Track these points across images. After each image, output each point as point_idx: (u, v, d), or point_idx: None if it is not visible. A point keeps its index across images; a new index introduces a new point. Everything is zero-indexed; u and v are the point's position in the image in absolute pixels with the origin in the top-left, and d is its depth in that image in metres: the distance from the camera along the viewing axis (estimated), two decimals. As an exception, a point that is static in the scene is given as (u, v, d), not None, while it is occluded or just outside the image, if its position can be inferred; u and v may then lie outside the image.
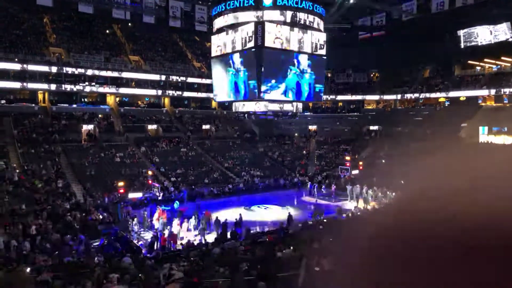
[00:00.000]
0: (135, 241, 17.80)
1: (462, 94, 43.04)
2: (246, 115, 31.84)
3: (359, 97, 50.12)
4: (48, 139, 30.80)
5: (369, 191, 24.46)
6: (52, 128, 32.71)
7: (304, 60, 26.62)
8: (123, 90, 40.08)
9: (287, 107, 28.48)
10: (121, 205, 21.97)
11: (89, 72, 37.55)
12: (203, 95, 43.79)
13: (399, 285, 0.40)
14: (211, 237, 17.91)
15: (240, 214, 19.70)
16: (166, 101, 43.24)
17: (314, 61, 27.22)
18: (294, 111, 29.24)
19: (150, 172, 29.12)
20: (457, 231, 0.39)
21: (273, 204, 25.79)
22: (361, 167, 30.90)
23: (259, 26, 24.55)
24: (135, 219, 19.91)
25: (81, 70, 37.18)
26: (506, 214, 0.38)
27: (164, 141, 35.86)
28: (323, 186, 29.31)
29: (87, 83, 37.61)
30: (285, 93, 26.20)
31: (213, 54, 29.00)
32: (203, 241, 16.89)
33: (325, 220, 19.38)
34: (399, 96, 47.90)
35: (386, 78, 50.36)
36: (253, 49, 24.92)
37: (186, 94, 43.23)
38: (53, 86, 36.06)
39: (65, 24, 42.26)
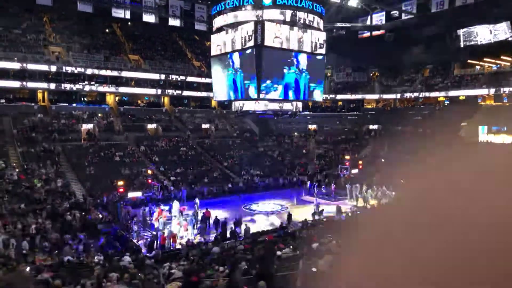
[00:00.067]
0: (135, 241, 17.80)
1: (462, 93, 43.05)
2: (245, 114, 31.81)
3: (358, 96, 50.12)
4: (47, 139, 30.78)
5: (368, 190, 24.48)
6: (52, 128, 32.70)
7: (303, 59, 26.59)
8: (122, 89, 40.07)
9: (287, 106, 28.44)
10: (121, 204, 21.97)
11: (89, 71, 37.51)
12: (203, 94, 43.76)
13: (400, 285, 0.40)
14: (210, 236, 17.93)
15: (240, 214, 19.71)
16: (166, 100, 43.22)
17: (313, 60, 27.19)
18: (294, 110, 29.19)
19: (149, 171, 29.15)
20: (457, 231, 0.39)
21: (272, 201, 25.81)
22: (360, 166, 30.94)
23: (259, 25, 24.52)
24: (135, 218, 19.92)
25: (81, 69, 37.15)
26: (506, 213, 0.38)
27: (163, 140, 35.86)
28: (323, 185, 29.32)
29: (86, 82, 37.58)
30: (284, 93, 26.14)
31: (213, 53, 28.96)
32: (203, 240, 16.91)
33: (325, 220, 19.41)
34: (398, 95, 47.90)
35: (386, 77, 50.38)
36: (252, 49, 24.89)
37: (186, 93, 43.20)
38: (52, 85, 36.03)
39: (65, 23, 42.21)
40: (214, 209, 21.41)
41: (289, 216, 19.82)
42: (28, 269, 10.52)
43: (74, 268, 11.66)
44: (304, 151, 40.36)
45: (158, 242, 16.81)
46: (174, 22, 43.08)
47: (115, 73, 39.05)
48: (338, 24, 43.39)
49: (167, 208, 21.33)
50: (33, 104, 35.52)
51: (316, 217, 20.36)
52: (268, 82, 25.06)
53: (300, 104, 29.19)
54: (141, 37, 45.82)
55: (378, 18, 46.48)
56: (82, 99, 39.23)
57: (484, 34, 41.79)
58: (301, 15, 26.02)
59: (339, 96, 50.40)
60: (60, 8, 40.00)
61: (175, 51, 46.96)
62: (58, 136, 31.54)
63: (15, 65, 34.03)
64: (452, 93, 43.39)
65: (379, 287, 0.41)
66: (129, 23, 45.36)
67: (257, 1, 25.13)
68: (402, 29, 43.50)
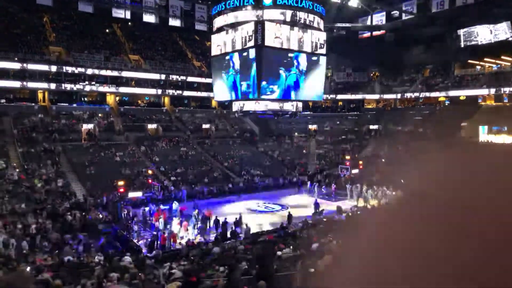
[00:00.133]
0: (135, 241, 17.81)
1: (462, 93, 43.02)
2: (246, 114, 31.82)
3: (359, 96, 50.08)
4: (48, 138, 30.79)
5: (369, 190, 24.47)
6: (52, 127, 32.71)
7: (303, 59, 26.60)
8: (123, 89, 40.07)
9: (287, 106, 28.44)
10: (121, 204, 21.97)
11: (89, 71, 37.52)
12: (203, 94, 43.76)
13: (399, 284, 0.40)
14: (211, 236, 17.94)
15: (240, 214, 19.72)
16: (166, 100, 43.22)
17: (313, 60, 27.20)
18: (294, 110, 29.19)
19: (150, 172, 29.16)
20: (457, 230, 0.39)
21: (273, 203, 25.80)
22: (361, 166, 30.92)
23: (259, 25, 24.53)
24: (135, 218, 19.93)
25: (81, 69, 37.16)
26: (506, 213, 0.38)
27: (164, 140, 35.87)
28: (323, 186, 29.32)
29: (87, 82, 37.59)
30: (281, 94, 26.11)
31: (213, 53, 28.97)
32: (203, 240, 16.91)
33: (325, 219, 19.40)
34: (399, 95, 47.86)
35: (386, 77, 50.36)
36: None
37: (186, 93, 43.20)
38: (53, 85, 36.04)
39: (65, 23, 42.24)
40: (214, 209, 21.43)
41: (289, 216, 19.81)
42: (28, 269, 10.52)
43: (74, 268, 11.65)
44: (304, 151, 40.34)
45: (159, 242, 16.81)
46: (174, 22, 43.13)
47: (115, 73, 39.06)
48: (339, 24, 43.42)
49: (167, 208, 21.35)
50: (33, 104, 35.53)
51: (316, 217, 20.36)
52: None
53: (300, 104, 29.19)
54: (141, 37, 45.83)
55: (378, 18, 46.52)
56: (83, 99, 39.23)
57: (484, 34, 41.78)
58: (301, 15, 26.04)
59: (339, 96, 50.37)
60: (60, 8, 40.04)
61: (176, 51, 46.97)
62: (58, 136, 31.55)
63: (15, 65, 34.05)
64: (453, 93, 43.36)
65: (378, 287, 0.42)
66: (129, 23, 45.37)
67: (257, 1, 25.14)
68: (402, 29, 43.53)
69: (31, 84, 35.07)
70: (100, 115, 37.43)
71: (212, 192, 28.26)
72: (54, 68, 35.94)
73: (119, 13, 40.79)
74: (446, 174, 0.47)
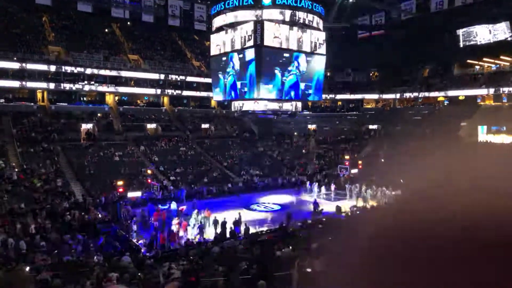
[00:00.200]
0: (134, 240, 17.79)
1: (461, 93, 43.08)
2: (245, 113, 31.84)
3: (358, 96, 50.13)
4: (47, 138, 30.75)
5: (368, 190, 24.47)
6: (51, 127, 32.66)
7: (303, 60, 26.62)
8: (122, 89, 40.04)
9: (286, 106, 28.48)
10: (120, 204, 21.95)
11: (88, 71, 37.49)
12: (203, 94, 43.75)
13: (399, 285, 0.40)
14: (210, 236, 17.92)
15: (239, 213, 19.71)
16: (165, 100, 43.19)
17: (312, 60, 27.22)
18: (293, 110, 29.23)
19: (149, 171, 29.13)
20: (457, 230, 0.39)
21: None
22: (360, 166, 30.91)
23: (258, 25, 24.54)
24: (134, 218, 19.90)
25: (80, 69, 37.12)
26: (506, 213, 0.38)
27: (163, 140, 35.85)
28: (323, 185, 29.29)
29: (86, 82, 37.54)
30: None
31: (212, 53, 28.99)
32: (203, 240, 16.91)
33: (324, 219, 19.39)
34: (398, 95, 47.91)
35: (386, 77, 50.35)
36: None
37: (185, 93, 43.17)
38: (52, 85, 36.00)
39: (64, 23, 42.19)
40: (213, 209, 21.40)
41: (289, 215, 19.80)
42: (27, 269, 10.51)
43: (73, 268, 11.65)
44: (303, 151, 40.34)
45: (158, 242, 16.80)
46: (173, 22, 43.18)
47: (114, 73, 39.03)
48: (338, 24, 43.44)
49: (165, 207, 21.34)
50: (32, 104, 35.47)
51: (316, 216, 20.36)
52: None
53: (299, 104, 29.23)
54: (141, 37, 45.79)
55: (378, 18, 46.58)
56: (82, 99, 39.19)
57: (483, 34, 41.83)
58: (300, 15, 26.05)
59: (338, 96, 50.41)
60: (60, 7, 40.02)
61: (175, 51, 46.94)
62: (57, 136, 31.52)
63: (14, 65, 34.01)
64: (452, 93, 43.42)
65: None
66: (128, 23, 45.34)
67: (256, 1, 25.14)
68: (402, 29, 43.57)
69: (30, 84, 35.04)
70: (99, 114, 37.40)
71: (212, 192, 28.23)
72: (53, 68, 35.90)
73: (118, 12, 40.83)
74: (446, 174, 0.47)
